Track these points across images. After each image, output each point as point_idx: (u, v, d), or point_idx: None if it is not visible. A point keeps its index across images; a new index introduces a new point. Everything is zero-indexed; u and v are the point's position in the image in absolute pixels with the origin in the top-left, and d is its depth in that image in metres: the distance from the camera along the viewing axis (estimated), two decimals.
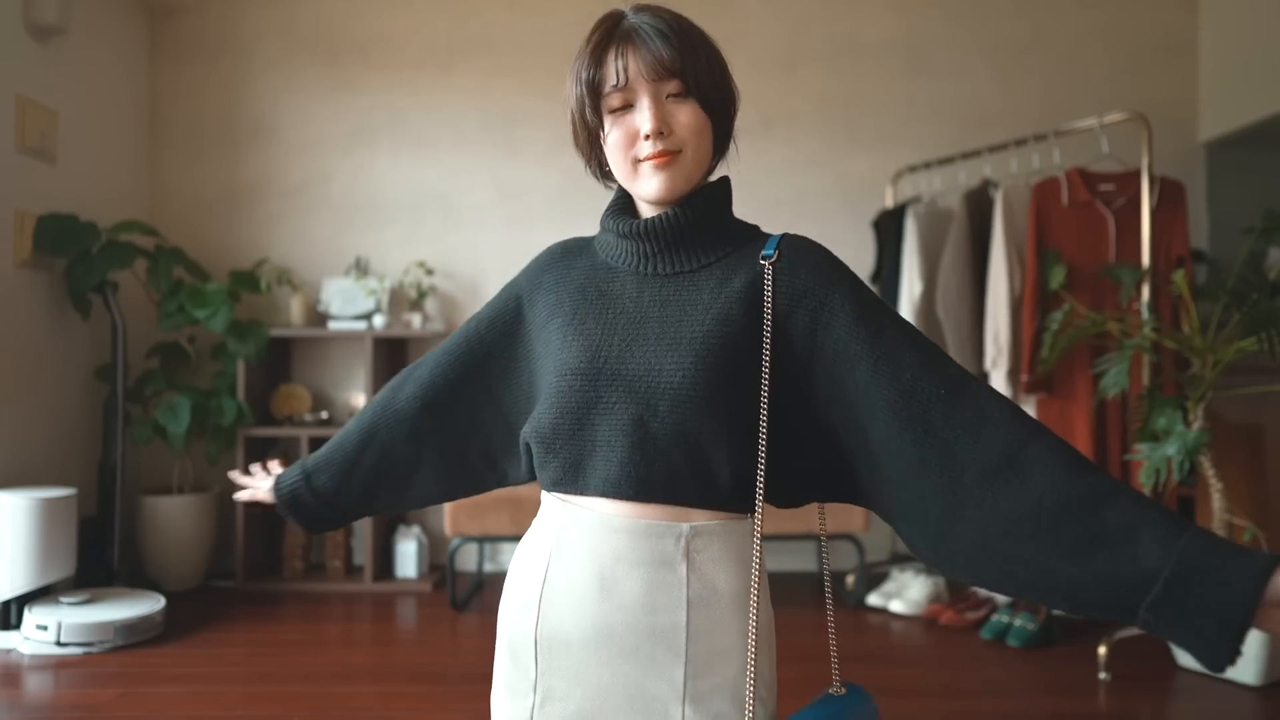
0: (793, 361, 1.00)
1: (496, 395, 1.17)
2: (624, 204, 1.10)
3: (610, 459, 1.00)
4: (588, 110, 1.03)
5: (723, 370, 0.99)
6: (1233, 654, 0.77)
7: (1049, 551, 0.85)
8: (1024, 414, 0.92)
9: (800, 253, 1.04)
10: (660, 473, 0.99)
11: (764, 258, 1.04)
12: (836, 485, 1.03)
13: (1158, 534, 0.80)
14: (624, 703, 1.00)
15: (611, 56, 1.01)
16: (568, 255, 1.15)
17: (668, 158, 1.02)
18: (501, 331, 1.17)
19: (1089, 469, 0.87)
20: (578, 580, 1.02)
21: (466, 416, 1.18)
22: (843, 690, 1.07)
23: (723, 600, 1.00)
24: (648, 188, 1.04)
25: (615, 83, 1.01)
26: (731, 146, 1.12)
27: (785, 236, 1.07)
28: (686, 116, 1.02)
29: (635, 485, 0.99)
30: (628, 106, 1.02)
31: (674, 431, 0.98)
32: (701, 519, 1.01)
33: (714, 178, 1.11)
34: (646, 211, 1.09)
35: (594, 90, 1.02)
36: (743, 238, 1.08)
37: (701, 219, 1.06)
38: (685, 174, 1.04)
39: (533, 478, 1.14)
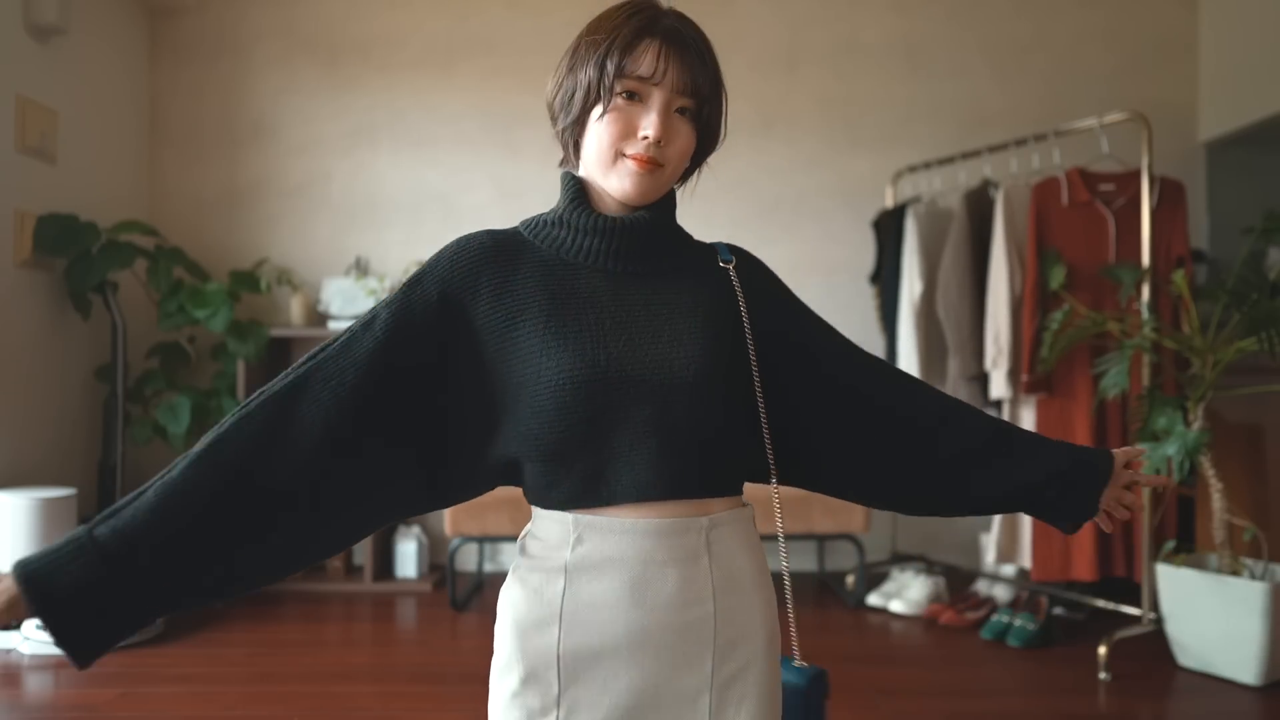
0: (765, 353, 1.10)
1: (422, 416, 1.01)
2: (584, 197, 1.06)
3: (636, 463, 0.99)
4: (604, 85, 1.00)
5: (724, 364, 1.04)
6: (1092, 512, 1.16)
7: (982, 475, 1.15)
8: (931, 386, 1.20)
9: (750, 261, 1.16)
10: (688, 468, 1.01)
11: (725, 262, 1.12)
12: (791, 465, 1.14)
13: (1050, 448, 1.16)
14: (654, 702, 1.01)
15: (655, 50, 1.00)
16: (502, 251, 1.05)
17: (651, 166, 1.02)
18: (426, 341, 1.01)
19: (989, 415, 1.18)
20: (606, 590, 1.00)
21: (383, 446, 1.00)
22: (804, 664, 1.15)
23: (741, 585, 1.04)
24: (621, 184, 1.03)
25: (647, 75, 1.00)
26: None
27: (732, 246, 1.16)
28: (683, 138, 1.04)
29: (666, 485, 1.00)
30: (636, 97, 1.01)
31: (694, 426, 1.01)
32: (717, 510, 1.04)
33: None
34: (611, 207, 1.07)
35: (621, 71, 1.00)
36: (687, 241, 1.15)
37: (667, 223, 1.10)
38: (658, 186, 1.05)
39: (470, 497, 1.08)
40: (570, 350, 0.99)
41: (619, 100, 1.01)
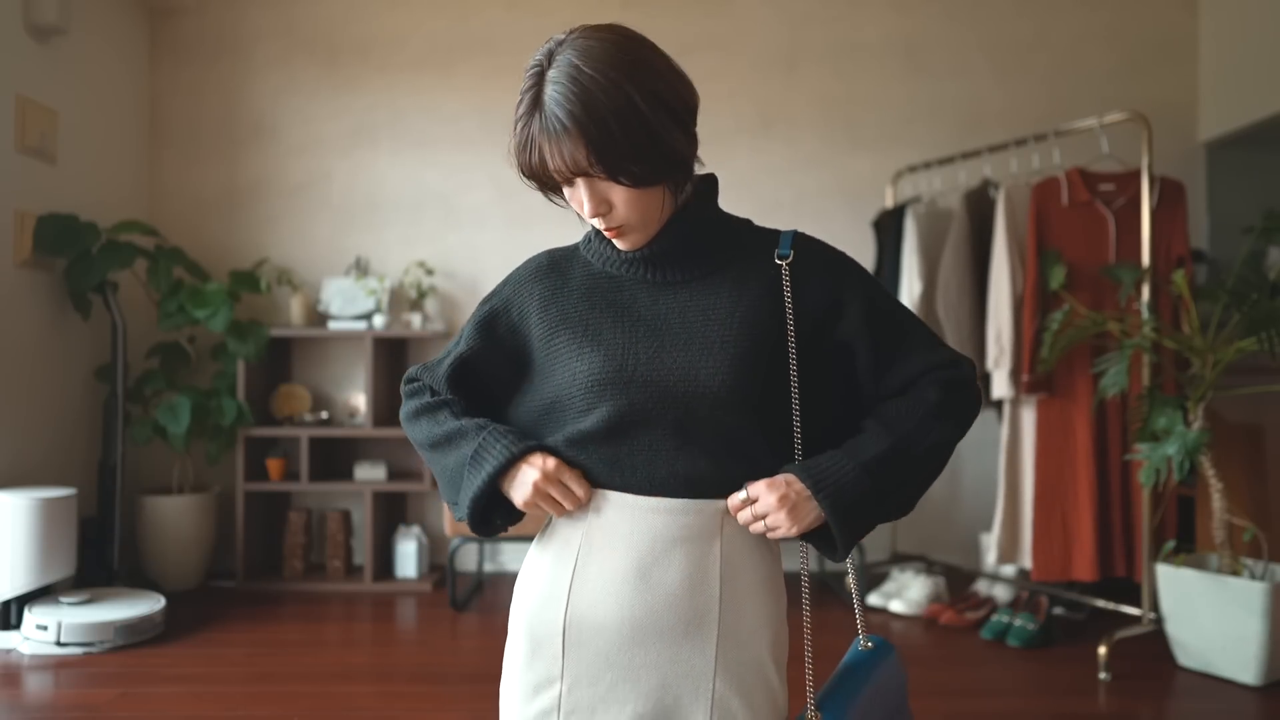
0: (808, 354, 1.07)
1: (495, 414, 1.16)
2: None
3: (654, 462, 1.03)
4: (537, 189, 1.05)
5: (755, 370, 1.04)
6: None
7: None
8: (927, 428, 1.07)
9: (812, 253, 1.10)
10: (705, 471, 1.04)
11: (780, 257, 1.08)
12: None
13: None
14: (657, 682, 1.03)
15: (536, 153, 0.99)
16: (556, 266, 1.13)
17: (615, 231, 1.04)
18: (504, 362, 1.13)
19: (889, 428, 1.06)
20: (614, 566, 1.04)
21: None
22: (870, 645, 1.19)
23: (751, 576, 1.06)
24: (616, 245, 1.07)
25: (541, 175, 1.02)
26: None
27: (796, 236, 1.10)
28: (618, 196, 1.01)
29: (681, 485, 1.04)
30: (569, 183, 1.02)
31: (716, 433, 1.03)
32: None
33: (700, 173, 1.10)
34: None
35: (533, 176, 1.03)
36: (741, 234, 1.12)
37: (702, 221, 1.09)
38: (641, 235, 1.06)
39: None
40: (601, 354, 1.04)
41: (566, 187, 1.03)
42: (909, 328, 1.09)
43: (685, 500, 1.04)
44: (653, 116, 0.97)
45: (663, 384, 1.02)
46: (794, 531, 1.02)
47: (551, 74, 0.98)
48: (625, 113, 0.95)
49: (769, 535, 1.04)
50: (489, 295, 1.16)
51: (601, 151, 0.96)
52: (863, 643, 1.18)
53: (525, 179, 1.04)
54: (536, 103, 0.98)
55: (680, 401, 1.02)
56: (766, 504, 1.02)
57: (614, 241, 1.06)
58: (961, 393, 1.08)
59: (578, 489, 1.05)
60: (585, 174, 0.98)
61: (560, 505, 1.05)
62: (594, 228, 1.12)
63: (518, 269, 1.16)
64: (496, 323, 1.13)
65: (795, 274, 1.07)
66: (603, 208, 1.01)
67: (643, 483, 1.04)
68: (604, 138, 0.95)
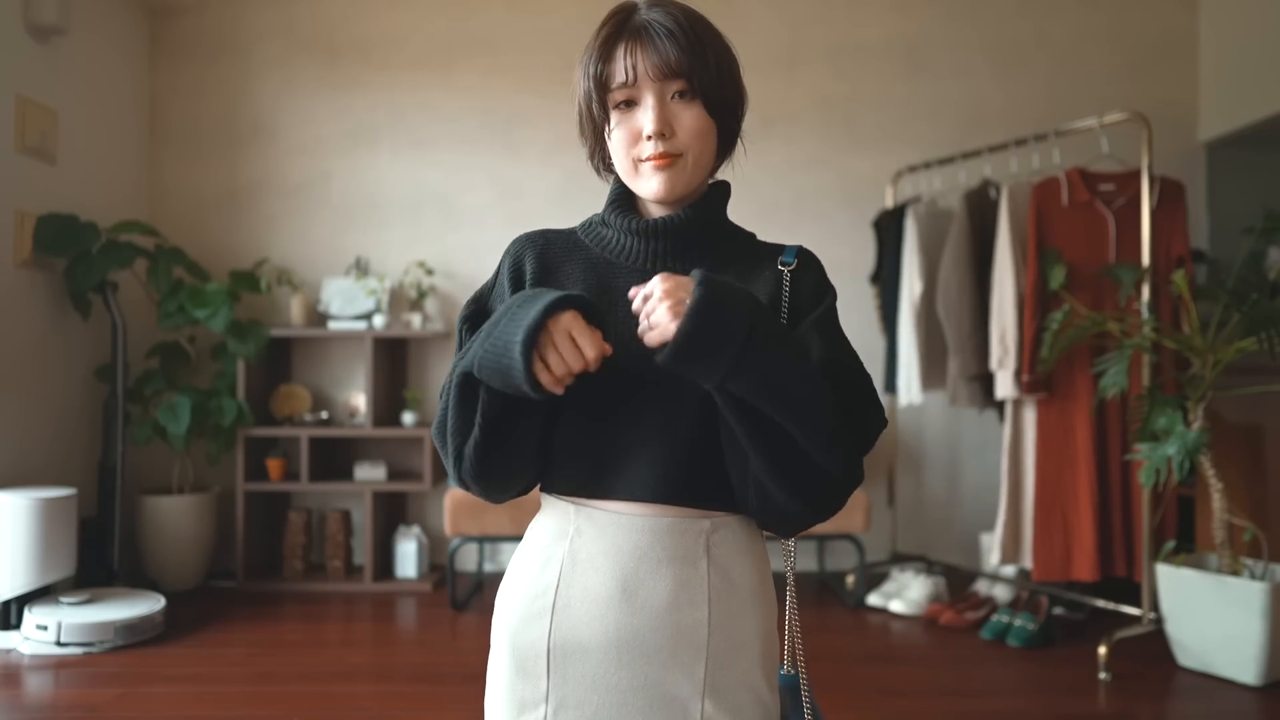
0: None
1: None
2: (626, 199, 1.08)
3: (641, 461, 0.99)
4: (594, 104, 1.03)
5: None
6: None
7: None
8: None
9: (810, 266, 1.09)
10: (694, 475, 1.00)
11: (784, 264, 1.07)
12: None
13: None
14: (644, 705, 0.99)
15: (620, 52, 1.01)
16: (551, 246, 1.09)
17: (668, 160, 1.01)
18: None
19: None
20: (598, 585, 1.00)
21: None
22: None
23: (740, 593, 1.03)
24: (648, 187, 1.03)
25: (622, 80, 1.01)
26: (738, 146, 1.12)
27: (801, 248, 1.10)
28: (690, 119, 1.01)
29: (668, 488, 0.99)
30: (633, 103, 1.02)
31: (708, 434, 0.99)
32: (719, 515, 1.03)
33: (717, 177, 1.11)
34: (653, 210, 1.08)
35: (601, 85, 1.02)
36: (742, 241, 1.11)
37: (710, 220, 1.07)
38: (685, 177, 1.03)
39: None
40: None
41: (617, 113, 1.03)
42: (854, 364, 1.04)
43: (672, 518, 1.00)
44: (735, 70, 1.06)
45: (653, 381, 0.99)
46: (670, 326, 0.89)
47: (646, 4, 1.04)
48: (720, 46, 1.04)
49: (650, 336, 0.91)
50: (478, 291, 1.11)
51: (696, 62, 1.00)
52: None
53: (588, 95, 1.03)
54: (628, 20, 1.02)
55: (672, 399, 0.99)
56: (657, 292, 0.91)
57: (653, 178, 1.02)
58: (860, 417, 1.00)
59: (588, 349, 0.90)
60: (674, 78, 1.00)
61: (560, 363, 0.90)
62: (604, 211, 1.09)
63: (509, 247, 1.10)
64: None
65: (794, 280, 1.07)
66: (667, 128, 1.01)
67: (628, 486, 1.00)
68: (701, 53, 1.01)
